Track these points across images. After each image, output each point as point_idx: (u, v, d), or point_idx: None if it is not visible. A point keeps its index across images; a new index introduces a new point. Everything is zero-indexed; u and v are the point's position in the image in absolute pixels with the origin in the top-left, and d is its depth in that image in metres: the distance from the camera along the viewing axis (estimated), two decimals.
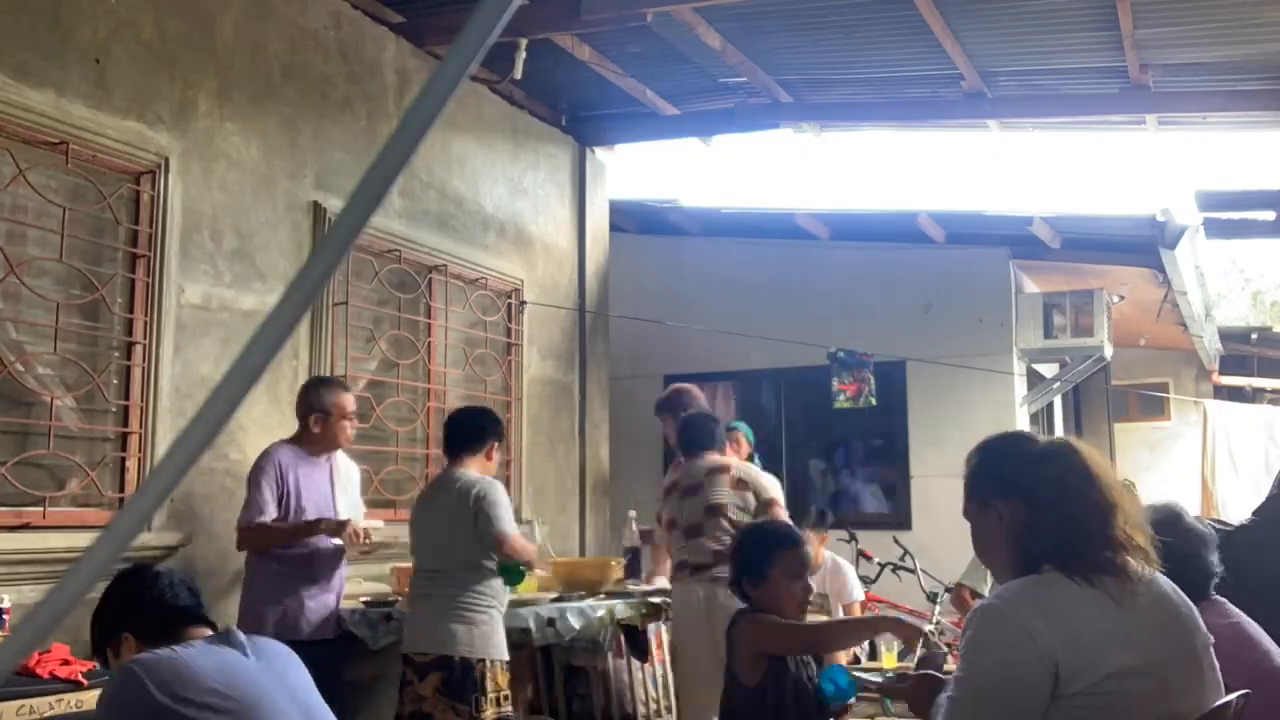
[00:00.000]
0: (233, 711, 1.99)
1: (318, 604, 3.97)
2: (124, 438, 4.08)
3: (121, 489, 4.05)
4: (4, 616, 3.38)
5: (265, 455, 3.99)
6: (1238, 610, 2.55)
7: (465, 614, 3.72)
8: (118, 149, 4.04)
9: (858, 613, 5.71)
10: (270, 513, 3.88)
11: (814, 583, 5.68)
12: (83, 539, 3.72)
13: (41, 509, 3.76)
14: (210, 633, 2.22)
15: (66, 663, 3.33)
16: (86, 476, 3.94)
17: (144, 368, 4.11)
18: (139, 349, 4.11)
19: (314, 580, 3.96)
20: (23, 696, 3.12)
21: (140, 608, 2.22)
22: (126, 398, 4.09)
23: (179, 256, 4.25)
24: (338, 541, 4.01)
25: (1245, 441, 9.06)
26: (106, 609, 2.25)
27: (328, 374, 4.70)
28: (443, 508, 3.82)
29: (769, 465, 6.34)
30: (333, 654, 4.01)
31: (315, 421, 4.04)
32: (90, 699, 3.31)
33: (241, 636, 2.19)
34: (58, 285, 3.92)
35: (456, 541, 3.78)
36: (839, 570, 5.75)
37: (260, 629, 3.87)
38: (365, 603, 4.37)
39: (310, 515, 3.95)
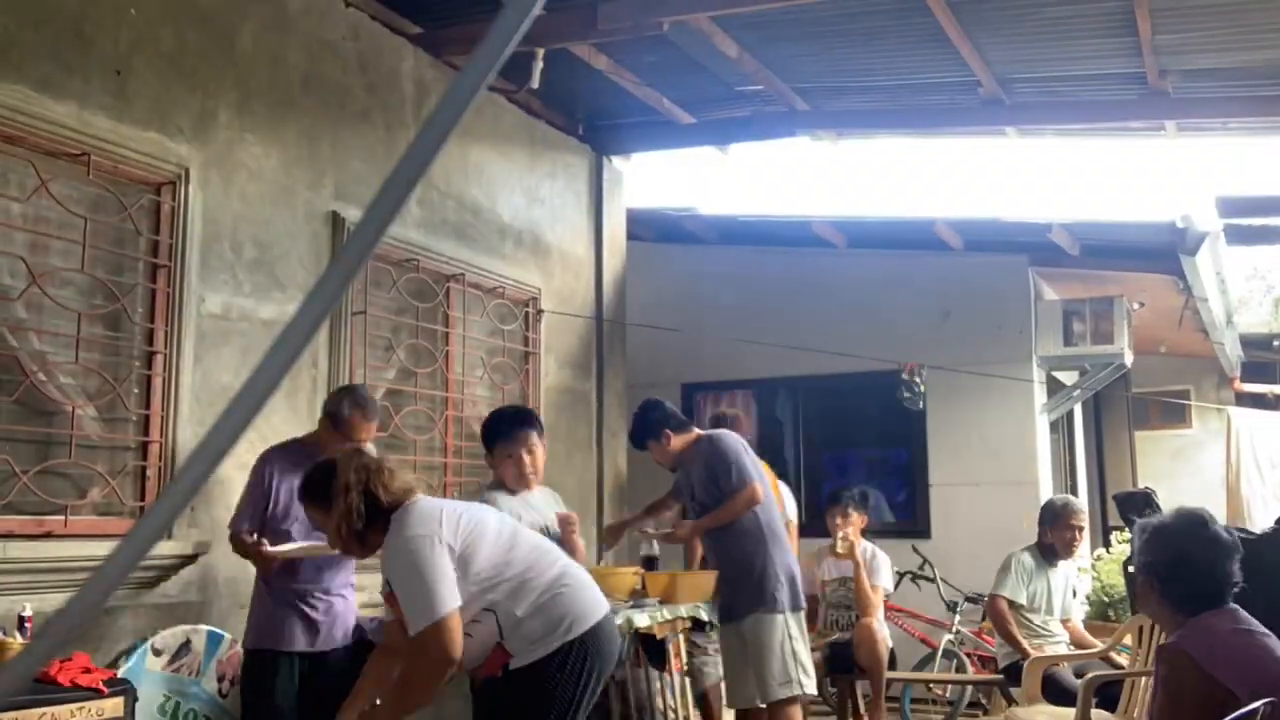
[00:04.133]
0: None
1: (327, 611, 3.92)
2: (144, 447, 4.10)
3: (142, 498, 4.08)
4: (26, 625, 3.40)
5: (259, 461, 3.91)
6: (1252, 618, 2.55)
7: None
8: (139, 160, 4.07)
9: (880, 598, 6.00)
10: (246, 523, 3.82)
11: (848, 565, 5.87)
12: (104, 548, 3.73)
13: (63, 518, 3.79)
14: None
15: (88, 670, 3.35)
16: (107, 485, 3.97)
17: (164, 377, 4.14)
18: (160, 358, 4.14)
19: (323, 588, 3.92)
20: (44, 704, 3.14)
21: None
22: (147, 407, 4.11)
23: (199, 266, 4.28)
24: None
25: (1271, 448, 8.98)
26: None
27: (349, 384, 4.68)
28: None
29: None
30: (347, 663, 3.97)
31: (322, 424, 3.98)
32: (111, 707, 3.33)
33: None
34: (79, 295, 3.95)
35: None
36: (875, 556, 6.04)
37: (268, 640, 3.83)
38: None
39: (297, 528, 3.83)
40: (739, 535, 4.71)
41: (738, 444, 4.88)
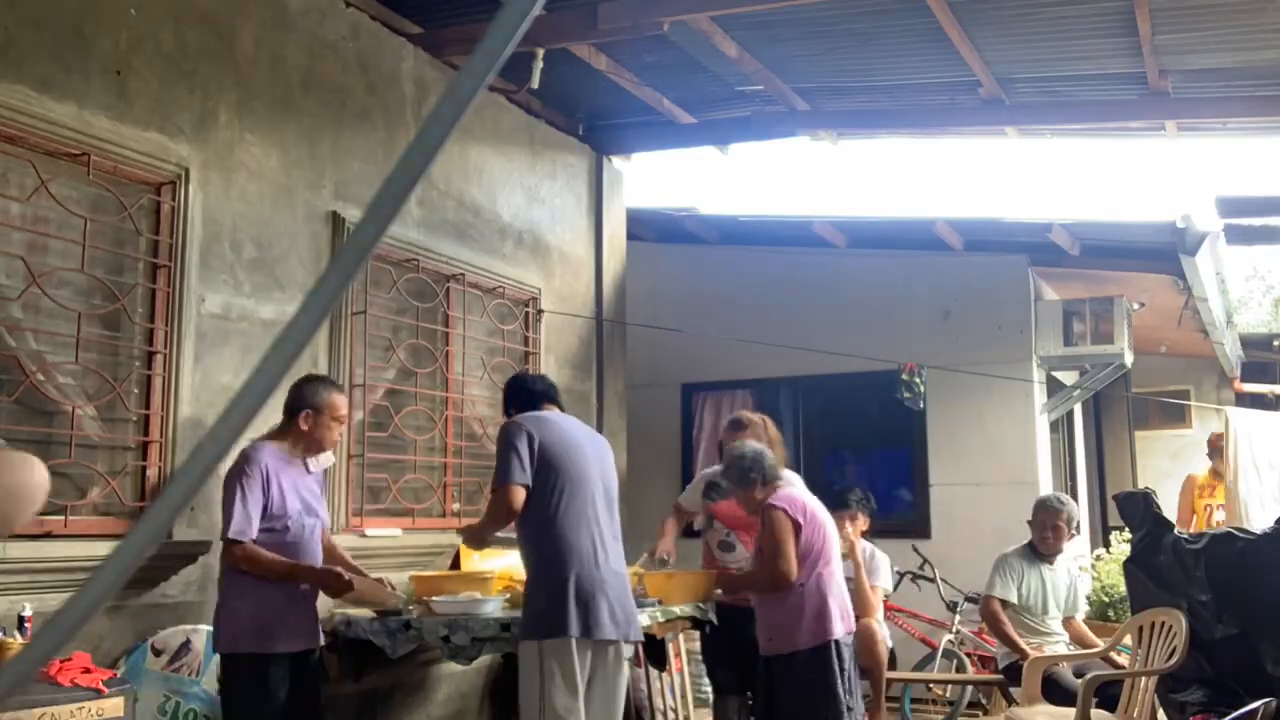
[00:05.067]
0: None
1: (298, 614, 3.80)
2: (144, 446, 4.10)
3: (142, 498, 4.08)
4: (26, 625, 3.40)
5: (248, 459, 3.71)
6: None
7: None
8: (139, 160, 4.07)
9: (880, 598, 5.98)
10: (255, 529, 3.69)
11: (847, 565, 5.88)
12: (104, 547, 3.73)
13: (63, 518, 3.78)
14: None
15: (88, 671, 3.35)
16: (107, 485, 3.97)
17: (164, 377, 4.14)
18: (159, 358, 4.14)
19: (294, 588, 3.79)
20: (44, 704, 3.14)
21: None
22: (147, 407, 4.11)
23: (199, 266, 4.28)
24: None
25: (1269, 448, 8.98)
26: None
27: (341, 380, 4.69)
28: None
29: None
30: (315, 666, 3.87)
31: (305, 418, 3.82)
32: (111, 706, 3.33)
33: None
34: (79, 295, 3.95)
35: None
36: (874, 556, 6.04)
37: (237, 640, 3.68)
38: (379, 612, 4.35)
39: (293, 524, 3.77)
40: (535, 543, 3.89)
41: (521, 431, 3.88)
